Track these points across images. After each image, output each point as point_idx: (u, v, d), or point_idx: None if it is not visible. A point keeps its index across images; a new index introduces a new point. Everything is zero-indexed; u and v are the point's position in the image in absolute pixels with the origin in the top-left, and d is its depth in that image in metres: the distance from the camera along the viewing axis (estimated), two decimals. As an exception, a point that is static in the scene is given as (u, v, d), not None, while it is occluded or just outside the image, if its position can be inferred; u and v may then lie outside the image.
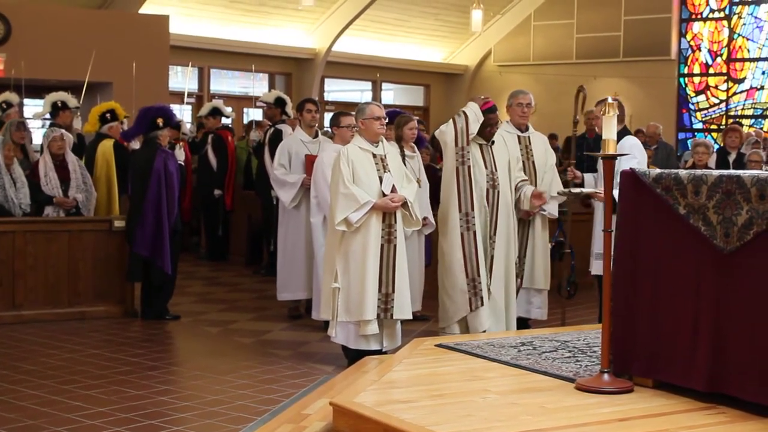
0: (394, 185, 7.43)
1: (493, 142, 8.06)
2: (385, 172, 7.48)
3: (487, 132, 7.98)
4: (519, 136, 8.72)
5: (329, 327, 7.50)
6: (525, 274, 8.59)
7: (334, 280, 7.38)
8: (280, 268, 9.60)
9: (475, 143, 7.95)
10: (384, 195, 7.37)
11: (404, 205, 7.47)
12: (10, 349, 8.24)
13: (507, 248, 8.03)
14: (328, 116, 20.72)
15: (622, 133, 8.82)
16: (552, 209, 8.73)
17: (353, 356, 7.41)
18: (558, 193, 8.54)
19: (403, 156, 9.02)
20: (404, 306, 7.47)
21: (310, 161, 9.36)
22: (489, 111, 7.98)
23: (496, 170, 7.99)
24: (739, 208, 4.77)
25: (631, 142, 8.31)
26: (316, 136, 9.74)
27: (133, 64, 13.53)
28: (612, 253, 5.32)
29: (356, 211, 7.24)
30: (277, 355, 8.12)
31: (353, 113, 8.01)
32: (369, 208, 7.28)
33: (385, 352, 7.34)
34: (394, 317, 7.42)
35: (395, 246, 7.44)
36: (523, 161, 8.59)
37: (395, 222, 7.46)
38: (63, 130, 10.38)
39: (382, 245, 7.39)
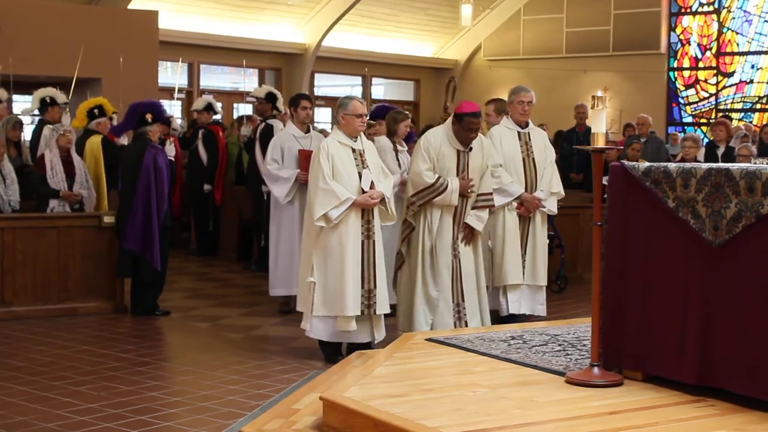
0: (372, 181, 7.44)
1: (471, 149, 7.98)
2: (364, 167, 7.47)
3: (465, 136, 7.84)
4: (519, 133, 8.69)
5: (303, 321, 7.52)
6: (526, 270, 8.58)
7: (310, 274, 7.40)
8: (273, 263, 9.58)
9: (452, 148, 7.91)
10: (363, 192, 7.37)
11: (382, 200, 7.49)
12: (-1, 345, 8.24)
13: (474, 250, 8.06)
14: (318, 111, 20.80)
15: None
16: (551, 206, 8.71)
17: (330, 352, 7.57)
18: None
19: (397, 151, 9.12)
20: (385, 301, 7.55)
21: (303, 156, 9.35)
22: (472, 115, 7.78)
23: (468, 177, 7.95)
24: (728, 201, 4.78)
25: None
26: (308, 131, 9.73)
27: (120, 59, 13.49)
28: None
29: (336, 207, 7.25)
30: (268, 351, 8.11)
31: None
32: (349, 205, 7.29)
33: (373, 345, 7.44)
34: (377, 312, 7.49)
35: (374, 242, 7.49)
36: (523, 158, 8.57)
37: (373, 218, 7.50)
38: (70, 127, 10.39)
39: (362, 241, 7.42)
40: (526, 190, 8.62)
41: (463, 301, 7.89)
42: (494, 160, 8.38)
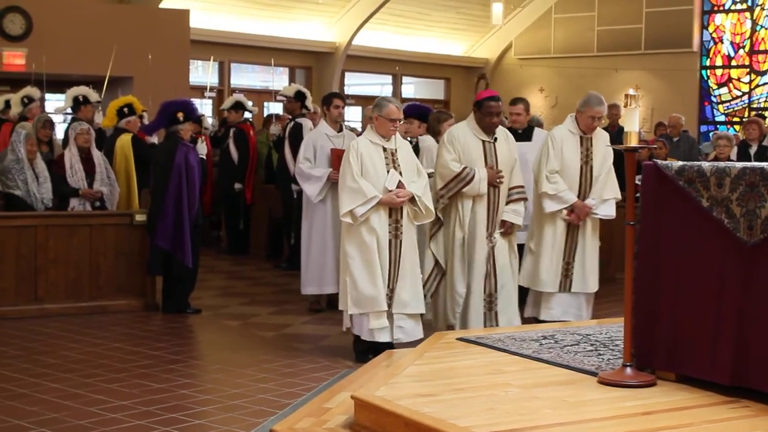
0: (400, 181, 7.45)
1: (496, 139, 7.90)
2: (395, 166, 7.49)
3: (487, 122, 7.80)
4: (582, 138, 8.32)
5: (344, 318, 7.62)
6: (575, 278, 8.33)
7: (345, 272, 7.49)
8: (304, 262, 9.58)
9: (477, 138, 7.87)
10: (389, 191, 7.39)
11: (412, 199, 7.49)
12: (32, 342, 8.28)
13: (509, 245, 8.01)
14: (349, 110, 20.81)
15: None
16: (606, 211, 8.38)
17: (361, 350, 7.59)
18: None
19: None
20: (403, 301, 7.49)
21: (335, 155, 9.36)
22: (491, 99, 7.77)
23: (495, 167, 7.88)
24: (762, 200, 4.73)
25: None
26: (341, 130, 9.73)
27: (149, 57, 13.55)
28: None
29: (362, 205, 7.31)
30: (298, 349, 8.12)
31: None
32: (375, 203, 7.34)
33: (393, 345, 7.43)
34: (393, 312, 7.48)
35: (401, 242, 7.50)
36: (581, 165, 8.26)
37: (402, 218, 7.50)
38: (88, 125, 10.42)
39: (390, 240, 7.45)
40: (579, 196, 8.30)
41: (495, 292, 7.87)
42: (551, 165, 8.23)
